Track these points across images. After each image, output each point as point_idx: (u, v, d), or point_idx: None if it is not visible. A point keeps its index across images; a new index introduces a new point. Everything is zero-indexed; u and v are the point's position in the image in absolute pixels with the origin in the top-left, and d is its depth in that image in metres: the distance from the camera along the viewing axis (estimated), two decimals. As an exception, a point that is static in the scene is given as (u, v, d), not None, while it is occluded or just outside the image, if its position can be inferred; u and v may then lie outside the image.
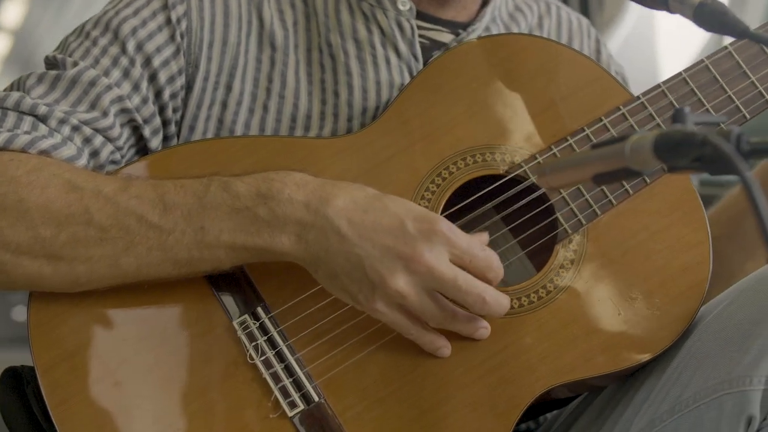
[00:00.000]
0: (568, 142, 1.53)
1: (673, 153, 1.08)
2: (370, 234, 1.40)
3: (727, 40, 3.82)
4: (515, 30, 1.73)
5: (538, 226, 1.53)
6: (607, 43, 3.65)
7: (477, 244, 1.42)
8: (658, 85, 1.56)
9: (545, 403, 1.53)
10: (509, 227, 1.56)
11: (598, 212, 1.51)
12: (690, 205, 1.52)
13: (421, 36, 1.66)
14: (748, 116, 1.55)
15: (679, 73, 1.56)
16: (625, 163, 1.13)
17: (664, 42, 3.72)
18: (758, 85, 1.55)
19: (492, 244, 1.51)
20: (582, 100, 1.55)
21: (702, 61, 1.56)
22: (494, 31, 1.70)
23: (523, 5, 1.79)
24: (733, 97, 1.55)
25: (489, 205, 1.54)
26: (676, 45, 3.71)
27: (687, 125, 1.11)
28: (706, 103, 1.54)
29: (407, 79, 1.62)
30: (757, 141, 1.07)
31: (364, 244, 1.40)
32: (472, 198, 1.53)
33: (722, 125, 1.49)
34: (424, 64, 1.64)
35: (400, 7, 1.65)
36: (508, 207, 1.54)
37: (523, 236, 1.55)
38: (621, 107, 1.54)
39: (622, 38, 3.66)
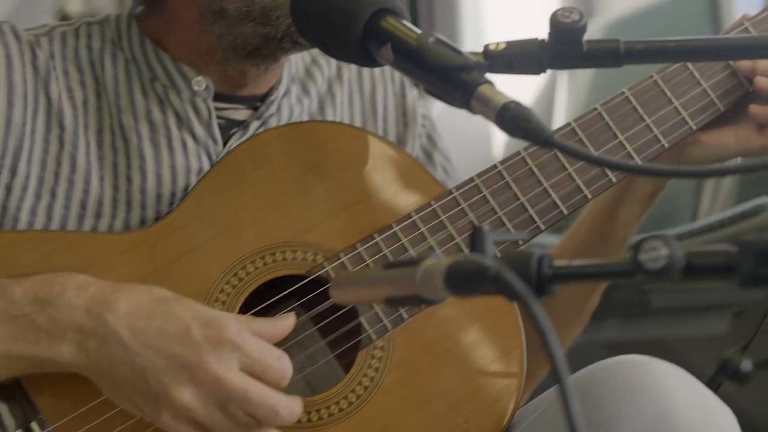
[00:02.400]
0: (374, 240, 1.44)
1: (465, 286, 1.00)
2: (154, 342, 1.31)
3: (559, 103, 3.74)
4: (312, 87, 1.63)
5: (346, 327, 1.44)
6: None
7: (270, 354, 1.33)
8: (472, 179, 1.49)
9: None
10: (317, 327, 1.47)
11: (405, 316, 1.43)
12: (502, 309, 1.45)
13: (217, 116, 1.56)
14: (542, 228, 1.49)
15: (494, 166, 1.49)
16: (416, 290, 1.05)
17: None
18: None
19: (299, 345, 1.43)
20: (392, 193, 1.47)
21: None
22: (294, 93, 1.60)
23: (320, 55, 1.68)
24: (526, 204, 1.49)
25: (296, 304, 1.45)
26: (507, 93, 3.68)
27: (486, 245, 1.03)
28: (499, 213, 1.48)
29: (205, 163, 1.52)
30: (559, 265, 1.00)
31: (147, 352, 1.30)
32: (281, 295, 1.44)
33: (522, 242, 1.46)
34: (224, 145, 1.54)
35: (195, 88, 1.53)
36: (317, 305, 1.45)
37: (331, 337, 1.46)
38: (432, 202, 1.47)
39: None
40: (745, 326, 1.96)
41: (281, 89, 1.59)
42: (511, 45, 1.21)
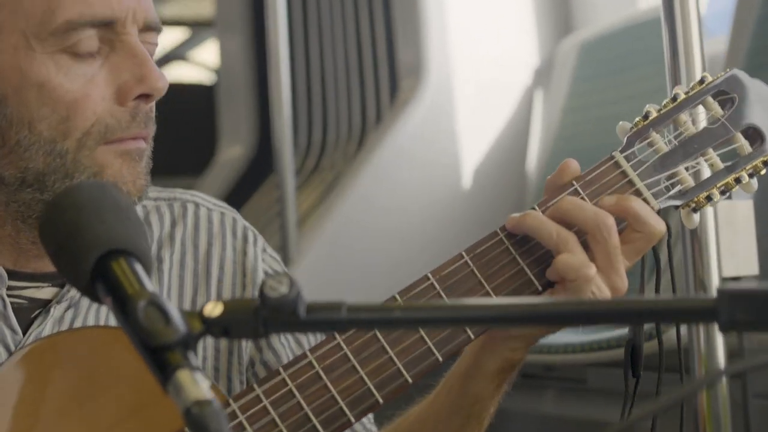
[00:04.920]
0: (145, 463, 1.35)
1: None
2: None
3: (535, 123, 3.61)
4: None
5: None
6: (406, 120, 3.50)
7: None
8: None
9: None
10: None
11: None
12: None
13: (17, 297, 1.47)
14: (353, 420, 1.37)
15: (278, 371, 1.39)
16: None
17: (464, 116, 3.55)
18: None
19: None
20: (168, 405, 1.37)
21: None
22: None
23: (153, 212, 1.59)
24: (337, 397, 1.38)
25: None
26: (476, 120, 3.54)
27: None
28: (306, 408, 1.37)
29: (4, 357, 1.43)
30: None
31: None
32: None
33: None
34: (24, 331, 1.46)
35: None
36: None
37: None
38: None
39: (421, 116, 3.50)
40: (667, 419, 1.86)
41: None
42: (227, 309, 1.10)
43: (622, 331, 2.40)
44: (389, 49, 3.62)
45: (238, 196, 4.24)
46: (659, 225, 1.42)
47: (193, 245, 1.59)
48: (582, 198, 1.43)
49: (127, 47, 1.43)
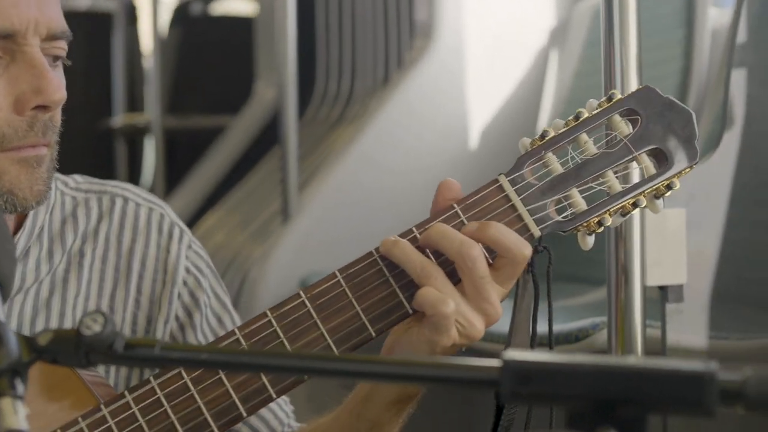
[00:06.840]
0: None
1: None
2: None
3: (548, 86, 3.59)
4: (58, 250, 1.58)
5: None
6: (416, 78, 3.51)
7: None
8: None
9: None
10: None
11: None
12: None
13: None
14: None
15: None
16: None
17: (474, 76, 3.54)
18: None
19: None
20: (48, 407, 1.44)
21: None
22: (33, 256, 1.56)
23: (82, 206, 1.64)
24: (203, 408, 1.43)
25: None
26: (488, 81, 3.54)
27: None
28: (172, 417, 1.42)
29: None
30: None
31: None
32: None
33: None
34: None
35: None
36: None
37: None
38: (80, 419, 1.42)
39: (430, 75, 3.50)
40: None
41: (18, 248, 1.55)
42: (55, 339, 1.17)
43: (584, 323, 2.38)
44: (409, 7, 3.61)
45: (266, 140, 4.28)
46: (522, 250, 1.40)
47: (117, 241, 1.63)
48: (462, 222, 1.42)
49: (27, 58, 1.48)
